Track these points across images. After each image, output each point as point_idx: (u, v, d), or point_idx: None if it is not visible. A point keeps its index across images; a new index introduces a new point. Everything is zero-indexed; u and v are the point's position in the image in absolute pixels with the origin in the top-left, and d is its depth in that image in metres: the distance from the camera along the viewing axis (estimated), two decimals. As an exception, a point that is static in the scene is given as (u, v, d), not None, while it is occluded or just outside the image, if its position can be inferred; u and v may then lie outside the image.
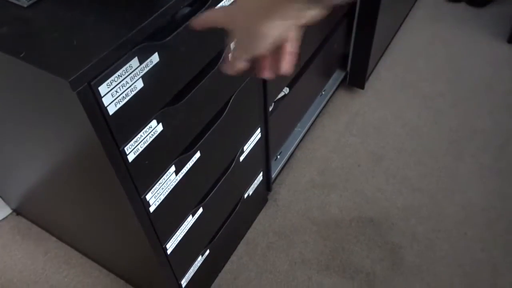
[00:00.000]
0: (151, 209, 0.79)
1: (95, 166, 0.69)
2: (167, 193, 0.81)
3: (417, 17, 1.98)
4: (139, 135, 0.67)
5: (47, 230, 1.32)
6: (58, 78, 0.53)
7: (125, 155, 0.67)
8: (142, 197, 0.75)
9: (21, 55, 0.56)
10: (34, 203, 1.18)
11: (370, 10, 1.33)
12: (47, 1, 0.66)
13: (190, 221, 0.93)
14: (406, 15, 1.96)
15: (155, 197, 0.79)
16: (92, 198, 0.84)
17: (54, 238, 1.31)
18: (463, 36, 1.89)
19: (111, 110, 0.60)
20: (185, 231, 0.93)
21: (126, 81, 0.61)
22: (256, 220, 1.35)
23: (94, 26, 0.61)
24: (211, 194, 0.96)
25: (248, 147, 1.06)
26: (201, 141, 0.83)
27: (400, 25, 1.92)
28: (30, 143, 0.81)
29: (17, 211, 1.37)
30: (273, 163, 1.33)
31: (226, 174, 0.99)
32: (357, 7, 1.36)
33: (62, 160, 0.78)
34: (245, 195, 1.17)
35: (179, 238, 0.92)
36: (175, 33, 0.66)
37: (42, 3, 0.65)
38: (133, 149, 0.67)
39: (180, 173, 0.82)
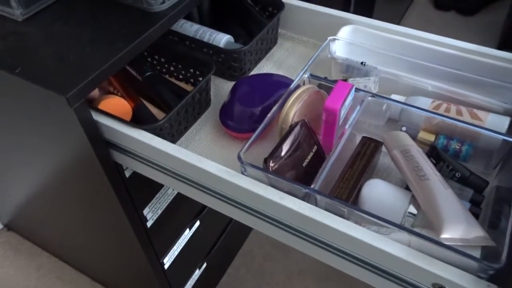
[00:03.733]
0: (149, 224, 0.78)
1: (92, 181, 0.68)
2: (164, 207, 0.80)
3: (408, 25, 2.01)
4: (136, 150, 0.66)
5: (40, 245, 1.30)
6: (55, 94, 0.52)
7: (122, 170, 0.66)
8: (139, 212, 0.74)
9: (17, 71, 0.55)
10: (26, 218, 1.16)
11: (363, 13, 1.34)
12: (42, 15, 0.65)
13: (187, 234, 0.92)
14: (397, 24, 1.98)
15: (152, 212, 0.78)
16: (88, 213, 0.83)
17: (47, 254, 1.29)
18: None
19: (109, 125, 0.59)
20: (182, 244, 0.92)
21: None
22: (253, 231, 1.34)
23: (91, 41, 0.60)
24: (208, 207, 0.95)
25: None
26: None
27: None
28: (24, 158, 0.79)
29: (8, 226, 1.34)
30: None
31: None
32: (351, 8, 1.37)
33: (57, 175, 0.76)
34: (242, 207, 1.16)
35: (176, 252, 0.90)
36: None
37: (37, 17, 0.64)
38: (130, 164, 0.66)
39: (177, 186, 0.81)
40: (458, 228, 0.43)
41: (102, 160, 0.61)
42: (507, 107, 0.58)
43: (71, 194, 0.80)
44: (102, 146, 0.61)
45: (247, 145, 0.52)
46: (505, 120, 0.56)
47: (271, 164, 0.51)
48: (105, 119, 0.58)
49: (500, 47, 1.85)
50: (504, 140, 0.53)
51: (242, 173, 0.52)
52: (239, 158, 0.51)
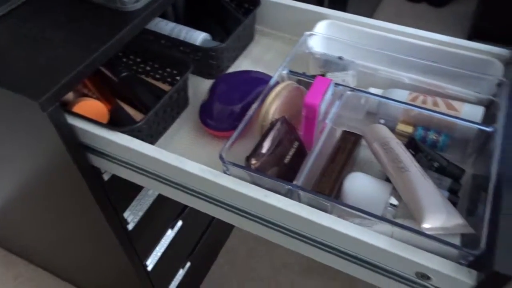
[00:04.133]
0: (130, 226, 0.77)
1: (69, 186, 0.66)
2: (145, 209, 0.79)
3: (381, 18, 2.03)
4: (115, 152, 0.65)
5: (17, 254, 1.26)
6: (27, 99, 0.51)
7: (100, 174, 0.65)
8: (120, 215, 0.73)
9: (-15, 76, 0.53)
10: (1, 226, 1.12)
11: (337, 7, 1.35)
12: (12, 16, 0.63)
13: (169, 235, 0.91)
14: (370, 18, 2.00)
15: (133, 214, 0.76)
16: (67, 219, 0.81)
17: (24, 262, 1.25)
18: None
19: (85, 128, 0.58)
20: (165, 245, 0.91)
21: (100, 98, 0.59)
22: (236, 228, 1.34)
23: (63, 42, 0.58)
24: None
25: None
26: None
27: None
28: (-3, 165, 0.76)
29: (-17, 235, 1.30)
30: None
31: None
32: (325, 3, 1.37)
33: (33, 181, 0.74)
34: (224, 204, 1.16)
35: (159, 254, 0.89)
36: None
37: (6, 19, 0.62)
38: (109, 167, 0.65)
39: (158, 187, 0.80)
40: (439, 217, 0.44)
41: (79, 164, 0.60)
42: (481, 97, 0.60)
43: (48, 200, 0.77)
44: (79, 150, 0.60)
45: (228, 144, 0.52)
46: (480, 110, 0.58)
47: (253, 162, 0.51)
48: (81, 123, 0.57)
49: (471, 37, 1.90)
50: (479, 129, 0.54)
51: (225, 172, 0.52)
52: (221, 157, 0.50)
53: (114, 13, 0.62)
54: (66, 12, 0.63)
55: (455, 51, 0.66)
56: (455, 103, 0.59)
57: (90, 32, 0.60)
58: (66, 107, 0.61)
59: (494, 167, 0.47)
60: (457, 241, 0.44)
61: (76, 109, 0.60)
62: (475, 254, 0.41)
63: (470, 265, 0.43)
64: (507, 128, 0.52)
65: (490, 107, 0.59)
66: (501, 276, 0.38)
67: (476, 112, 0.58)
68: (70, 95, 0.65)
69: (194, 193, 0.55)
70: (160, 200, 0.82)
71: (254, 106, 0.57)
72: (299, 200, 0.49)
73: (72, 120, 0.57)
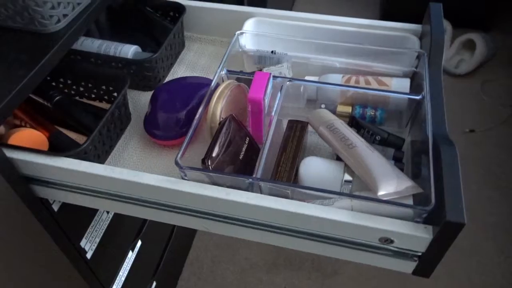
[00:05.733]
0: (88, 255, 0.73)
1: (17, 223, 0.62)
2: (101, 234, 0.76)
3: (299, 10, 2.12)
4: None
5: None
6: (-44, 138, 0.47)
7: (49, 205, 0.62)
8: (76, 245, 0.69)
9: None
10: None
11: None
12: None
13: (131, 257, 0.88)
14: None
15: (90, 242, 0.73)
16: (19, 258, 0.75)
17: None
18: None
19: (26, 160, 0.55)
20: (128, 268, 0.88)
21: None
22: (196, 237, 1.32)
23: (-14, 72, 0.55)
24: (147, 223, 0.92)
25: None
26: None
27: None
28: None
29: None
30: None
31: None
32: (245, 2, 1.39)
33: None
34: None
35: (123, 278, 0.86)
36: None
37: None
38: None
39: (111, 210, 0.77)
40: (391, 183, 0.48)
41: (24, 199, 0.56)
42: (405, 70, 0.65)
43: (-6, 245, 0.72)
44: (22, 183, 0.56)
45: (182, 149, 0.52)
46: (407, 82, 0.63)
47: (209, 163, 0.52)
48: (21, 154, 0.54)
49: (382, 17, 2.04)
50: (409, 98, 0.59)
51: (183, 178, 0.51)
52: (176, 163, 0.50)
53: (36, 36, 0.59)
54: (-17, 42, 0.59)
55: (374, 32, 0.71)
56: (385, 79, 0.64)
57: (12, 60, 0.56)
58: (0, 140, 0.57)
59: (430, 129, 0.52)
60: (410, 202, 0.48)
61: (12, 141, 0.56)
62: (428, 209, 0.44)
63: (425, 221, 0.47)
64: (433, 93, 0.58)
65: (414, 78, 0.64)
66: (453, 225, 0.42)
67: (404, 84, 0.63)
68: (1, 129, 0.61)
69: (154, 205, 0.54)
70: (116, 222, 0.79)
71: (200, 109, 0.57)
72: (260, 191, 0.51)
73: (10, 153, 0.53)
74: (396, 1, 1.93)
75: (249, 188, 0.51)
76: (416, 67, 0.65)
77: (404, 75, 0.65)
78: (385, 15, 2.02)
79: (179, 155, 0.51)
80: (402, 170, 0.56)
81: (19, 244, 0.70)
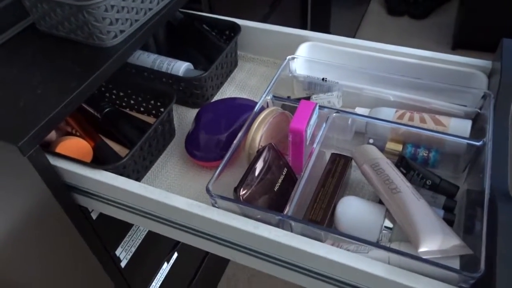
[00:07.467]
0: (123, 264, 0.74)
1: (57, 228, 0.64)
2: (138, 244, 0.77)
3: (365, 34, 2.06)
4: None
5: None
6: (5, 144, 0.49)
7: (88, 213, 0.63)
8: (111, 253, 0.71)
9: (-38, 122, 0.52)
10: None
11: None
12: (-13, 60, 0.62)
13: (165, 268, 0.89)
14: (354, 35, 2.03)
15: (125, 251, 0.74)
16: (57, 262, 0.78)
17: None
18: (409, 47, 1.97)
19: (68, 169, 0.56)
20: (162, 279, 0.88)
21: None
22: (234, 255, 1.31)
23: (42, 82, 0.57)
24: (184, 237, 0.92)
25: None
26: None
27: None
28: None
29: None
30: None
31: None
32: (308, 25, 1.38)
33: (20, 225, 0.72)
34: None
35: (156, 289, 0.87)
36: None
37: (-19, 63, 0.61)
38: (96, 206, 0.63)
39: (149, 221, 0.78)
40: (435, 239, 0.43)
41: (64, 206, 0.58)
42: (468, 110, 0.59)
43: (36, 245, 0.75)
44: (64, 191, 0.58)
45: (215, 175, 0.51)
46: (467, 124, 0.57)
47: (242, 193, 0.50)
48: (64, 163, 0.55)
49: (455, 46, 1.92)
50: (468, 143, 0.53)
51: (213, 205, 0.50)
52: (207, 190, 0.49)
53: (93, 50, 0.62)
54: (44, 52, 0.63)
55: (438, 65, 0.66)
56: (442, 118, 0.58)
57: (69, 70, 0.59)
58: (49, 147, 0.60)
59: (487, 182, 0.46)
60: (456, 263, 0.43)
61: (59, 149, 0.59)
62: (476, 276, 0.39)
63: (472, 287, 0.41)
64: (496, 140, 0.52)
65: (477, 120, 0.58)
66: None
67: (464, 126, 0.57)
68: (53, 135, 0.64)
69: (184, 228, 0.54)
70: (153, 233, 0.80)
71: (240, 134, 0.56)
72: (291, 229, 0.48)
73: (54, 161, 0.55)
74: (470, 29, 1.81)
75: (279, 224, 0.48)
76: (480, 108, 0.59)
77: (466, 116, 0.59)
78: (457, 44, 1.91)
79: (211, 181, 0.50)
80: (452, 221, 0.50)
81: (55, 248, 0.72)
